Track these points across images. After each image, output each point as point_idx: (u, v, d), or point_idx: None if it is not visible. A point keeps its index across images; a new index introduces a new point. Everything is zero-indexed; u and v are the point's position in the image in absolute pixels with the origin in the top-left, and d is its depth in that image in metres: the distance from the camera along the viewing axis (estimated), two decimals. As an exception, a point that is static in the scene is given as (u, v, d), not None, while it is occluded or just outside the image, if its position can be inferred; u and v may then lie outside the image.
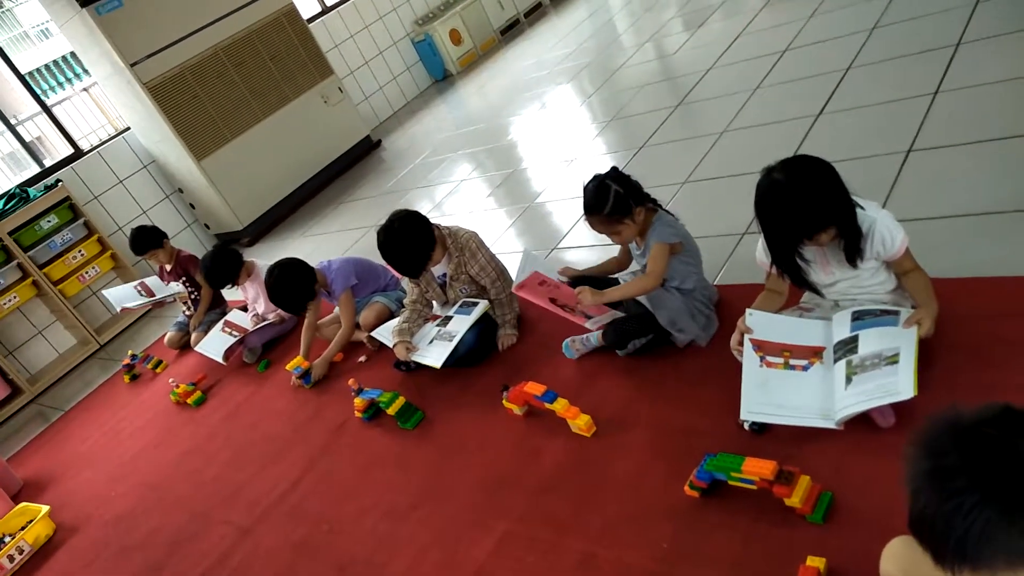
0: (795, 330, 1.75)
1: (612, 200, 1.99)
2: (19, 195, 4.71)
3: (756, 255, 1.82)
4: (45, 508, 2.95)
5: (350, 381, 2.62)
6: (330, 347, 3.00)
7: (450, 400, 2.45)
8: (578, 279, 2.24)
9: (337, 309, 3.09)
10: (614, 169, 2.09)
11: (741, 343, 1.75)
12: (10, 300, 4.51)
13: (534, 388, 2.05)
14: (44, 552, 2.83)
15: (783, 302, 1.86)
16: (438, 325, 2.57)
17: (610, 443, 1.91)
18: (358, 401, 2.55)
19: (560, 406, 1.99)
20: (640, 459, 1.81)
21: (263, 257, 3.76)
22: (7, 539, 2.92)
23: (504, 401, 2.19)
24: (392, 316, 2.91)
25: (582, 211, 2.08)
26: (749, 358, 1.72)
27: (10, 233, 4.52)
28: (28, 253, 4.59)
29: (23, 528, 2.93)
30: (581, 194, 2.07)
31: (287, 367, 3.01)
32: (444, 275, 2.58)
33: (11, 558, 2.79)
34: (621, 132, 3.91)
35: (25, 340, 4.80)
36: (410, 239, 2.45)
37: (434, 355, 2.46)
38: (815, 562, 1.34)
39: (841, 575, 1.33)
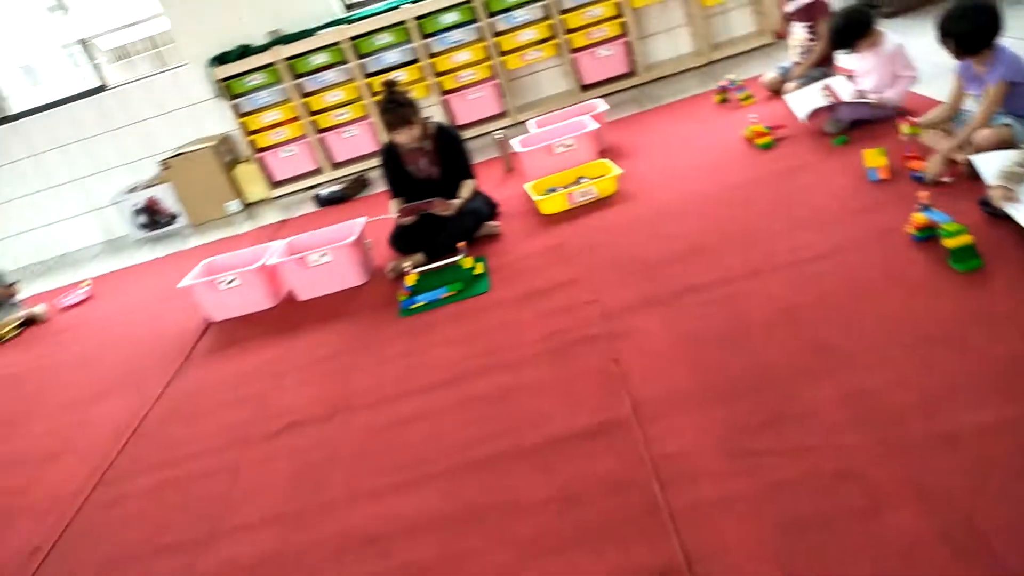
0: None
1: None
2: None
3: None
4: (618, 171, 3.55)
5: (921, 193, 2.41)
6: (952, 141, 2.72)
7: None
8: None
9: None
10: None
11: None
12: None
13: None
14: (601, 202, 3.48)
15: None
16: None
17: None
18: (918, 217, 2.36)
19: None
20: None
21: (900, 33, 3.43)
22: (583, 180, 3.65)
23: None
24: (1013, 146, 2.49)
25: None
26: None
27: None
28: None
29: (597, 178, 3.60)
30: None
31: (864, 154, 2.87)
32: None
33: (582, 194, 3.51)
34: None
35: (655, 32, 5.40)
36: None
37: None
38: None
39: None
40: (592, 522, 1.72)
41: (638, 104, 4.97)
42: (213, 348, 3.34)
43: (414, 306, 3.05)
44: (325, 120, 5.44)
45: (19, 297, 4.59)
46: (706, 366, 2.14)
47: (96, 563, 2.15)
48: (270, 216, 5.23)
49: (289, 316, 3.41)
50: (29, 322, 4.40)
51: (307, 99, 5.36)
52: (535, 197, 3.59)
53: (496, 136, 4.49)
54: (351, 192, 4.99)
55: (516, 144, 4.02)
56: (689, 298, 2.49)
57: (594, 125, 3.98)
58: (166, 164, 5.46)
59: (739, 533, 1.57)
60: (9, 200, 5.86)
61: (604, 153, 3.98)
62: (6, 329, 4.29)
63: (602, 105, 4.32)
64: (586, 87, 5.38)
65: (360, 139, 5.46)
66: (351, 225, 3.60)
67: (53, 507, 2.46)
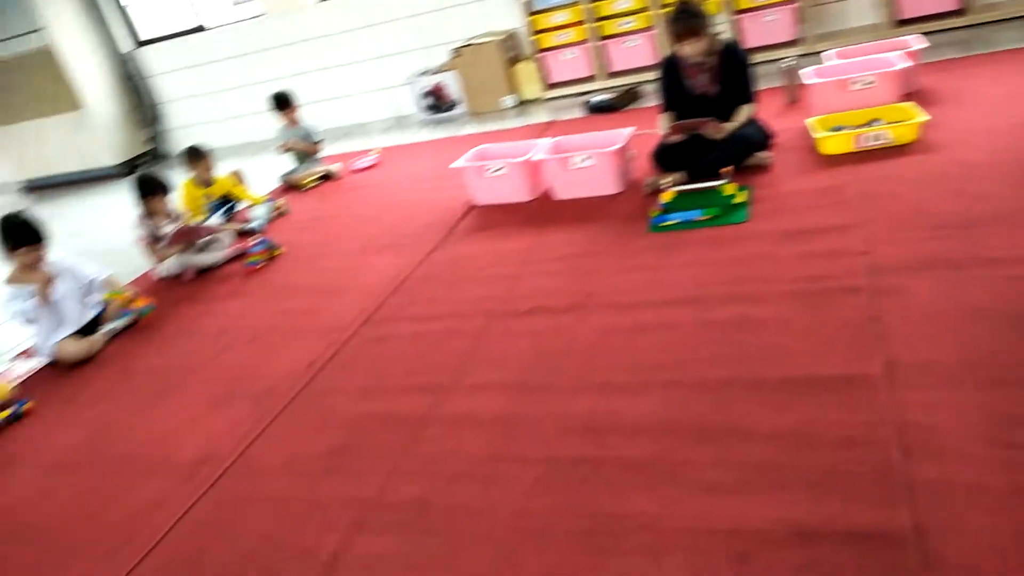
0: None
1: None
2: None
3: None
4: (923, 117, 3.17)
5: None
6: None
7: None
8: None
9: None
10: None
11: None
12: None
13: None
14: (895, 150, 3.15)
15: None
16: None
17: None
18: None
19: None
20: None
21: None
22: (877, 123, 3.31)
23: None
24: None
25: None
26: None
27: None
28: None
29: (895, 122, 3.25)
30: None
31: None
32: None
33: (874, 138, 3.20)
34: None
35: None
36: None
37: None
38: None
39: None
40: (818, 468, 1.68)
41: (965, 47, 4.34)
42: (473, 228, 3.62)
43: (665, 223, 3.05)
44: (609, 27, 5.43)
45: (321, 154, 5.26)
46: (978, 345, 1.92)
47: (355, 386, 2.52)
48: (539, 116, 5.41)
49: (543, 211, 3.57)
50: (326, 177, 5.06)
51: (596, 3, 5.37)
52: (817, 134, 3.34)
53: (785, 64, 4.20)
54: (621, 103, 4.99)
55: (806, 75, 3.74)
56: (979, 269, 2.22)
57: (903, 64, 3.57)
58: (458, 52, 5.83)
59: (982, 525, 1.45)
60: (324, 68, 6.64)
61: (910, 97, 3.56)
62: (308, 180, 4.98)
63: (918, 43, 3.83)
64: (902, 22, 4.78)
65: (640, 50, 5.39)
66: (617, 134, 3.63)
67: (330, 332, 2.90)
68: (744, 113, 3.34)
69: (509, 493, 1.85)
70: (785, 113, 3.97)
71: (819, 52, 4.58)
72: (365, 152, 5.36)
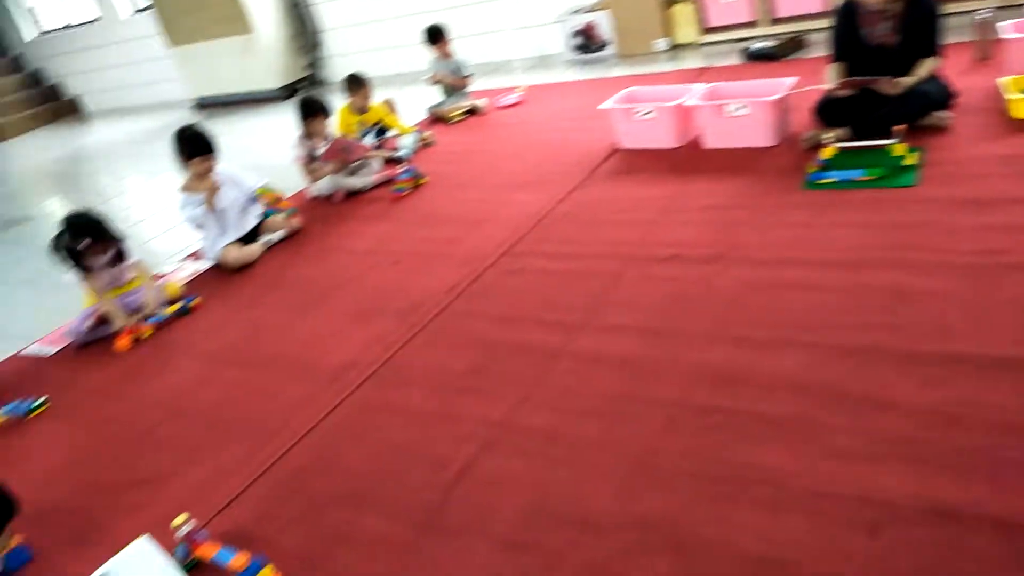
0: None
1: None
2: None
3: None
4: None
5: None
6: None
7: None
8: None
9: None
10: None
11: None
12: None
13: None
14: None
15: None
16: None
17: None
18: None
19: None
20: None
21: None
22: (1084, 87, 2.95)
23: None
24: None
25: None
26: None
27: None
28: None
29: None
30: None
31: None
32: None
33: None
34: None
35: None
36: None
37: None
38: None
39: None
40: (968, 450, 1.57)
41: None
42: (615, 171, 3.57)
43: (823, 181, 2.88)
44: (778, -31, 5.09)
45: (469, 89, 5.32)
46: None
47: (491, 313, 2.59)
48: (692, 61, 5.20)
49: (690, 159, 3.47)
50: (472, 112, 5.13)
51: (767, -58, 5.04)
52: (1011, 95, 3.02)
53: (980, 16, 3.79)
54: (783, 51, 4.70)
55: (1003, 29, 3.36)
56: None
57: None
58: (612, -9, 5.67)
59: None
60: (476, 3, 6.65)
61: None
62: (455, 113, 5.07)
63: None
64: None
65: (810, -5, 5.03)
66: (777, 83, 3.44)
67: (470, 260, 2.98)
68: (926, 67, 3.06)
69: (637, 432, 1.87)
70: (973, 70, 3.61)
71: (1020, 4, 4.11)
72: (511, 89, 5.38)
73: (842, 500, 1.53)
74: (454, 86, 5.22)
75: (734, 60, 4.93)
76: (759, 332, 2.13)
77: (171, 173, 3.68)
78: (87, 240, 3.07)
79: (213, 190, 3.54)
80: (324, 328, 2.78)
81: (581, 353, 2.24)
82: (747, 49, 4.83)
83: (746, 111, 3.34)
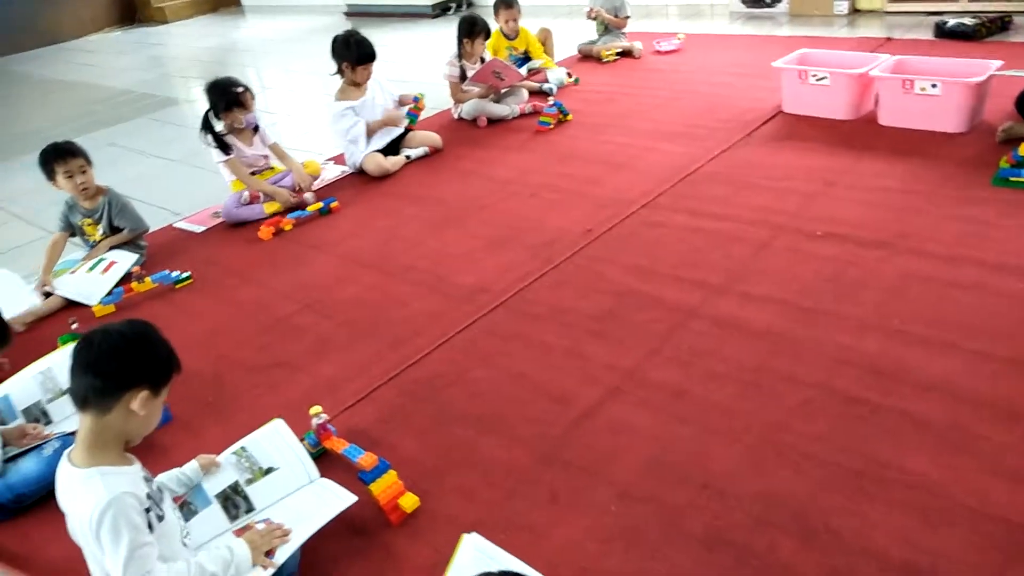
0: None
1: None
2: None
3: None
4: None
5: None
6: None
7: None
8: None
9: None
10: None
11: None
12: None
13: None
14: None
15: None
16: None
17: None
18: None
19: None
20: None
21: None
22: None
23: None
24: None
25: None
26: None
27: None
28: None
29: None
30: None
31: None
32: None
33: None
34: None
35: None
36: None
37: None
38: None
39: None
40: None
41: None
42: (775, 135, 3.37)
43: (1017, 179, 2.60)
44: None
45: (625, 30, 5.12)
46: None
47: (628, 262, 2.52)
48: (873, 30, 4.79)
49: (862, 134, 3.21)
50: (625, 53, 4.94)
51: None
52: None
53: None
54: (984, 31, 4.24)
55: None
56: None
57: None
58: (797, -58, 5.27)
59: None
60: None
61: None
62: (608, 53, 4.91)
63: None
64: None
65: (1026, -28, 4.50)
66: (976, 64, 3.11)
67: (610, 204, 2.91)
68: None
69: (769, 406, 1.78)
70: None
71: None
72: (671, 35, 5.14)
73: (1008, 525, 1.41)
74: (611, 25, 5.03)
75: (922, 35, 4.51)
76: (920, 328, 1.97)
77: (315, 75, 3.70)
78: (242, 87, 3.33)
79: (392, 115, 3.67)
80: (457, 248, 2.79)
81: (719, 317, 2.15)
82: (942, 23, 4.39)
83: (936, 91, 3.05)
